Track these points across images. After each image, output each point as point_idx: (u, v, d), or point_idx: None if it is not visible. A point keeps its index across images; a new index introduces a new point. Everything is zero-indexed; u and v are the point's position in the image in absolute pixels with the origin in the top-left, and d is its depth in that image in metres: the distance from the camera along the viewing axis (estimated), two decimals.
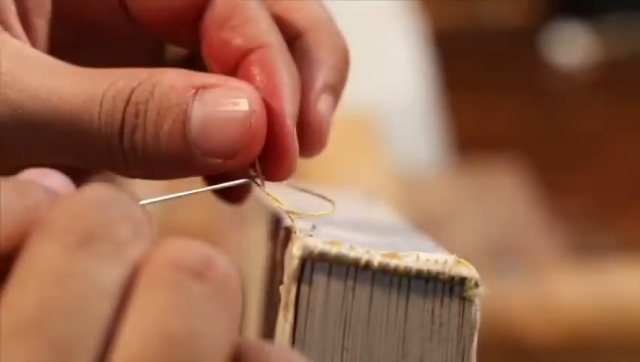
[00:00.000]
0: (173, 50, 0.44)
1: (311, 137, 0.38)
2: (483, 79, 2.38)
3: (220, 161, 0.35)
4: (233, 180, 0.39)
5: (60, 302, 0.25)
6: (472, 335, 0.33)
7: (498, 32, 2.66)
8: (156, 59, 0.43)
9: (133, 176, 0.36)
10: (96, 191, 0.28)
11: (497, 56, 2.52)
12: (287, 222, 0.37)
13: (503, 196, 1.20)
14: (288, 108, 0.36)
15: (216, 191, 0.42)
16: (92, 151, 0.35)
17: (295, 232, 0.35)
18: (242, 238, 0.59)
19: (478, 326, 0.33)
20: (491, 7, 2.75)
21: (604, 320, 0.96)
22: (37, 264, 0.26)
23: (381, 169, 1.07)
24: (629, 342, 0.96)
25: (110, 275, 0.26)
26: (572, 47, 2.50)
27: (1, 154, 0.36)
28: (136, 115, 0.35)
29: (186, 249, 0.27)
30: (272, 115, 0.36)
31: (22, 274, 0.26)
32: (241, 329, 0.28)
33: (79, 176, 0.42)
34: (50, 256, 0.26)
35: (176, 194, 0.37)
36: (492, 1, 2.76)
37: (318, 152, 0.39)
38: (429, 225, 0.98)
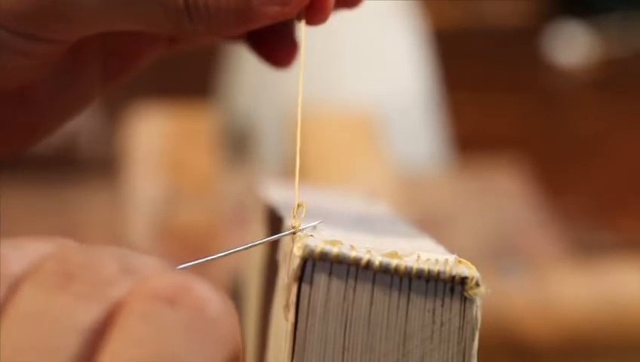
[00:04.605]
0: None
1: None
2: (483, 79, 2.37)
3: (277, 8, 0.38)
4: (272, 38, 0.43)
5: (33, 341, 0.26)
6: (473, 334, 0.33)
7: (498, 32, 2.66)
8: None
9: (197, 34, 0.39)
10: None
11: (498, 55, 2.52)
12: (288, 221, 0.37)
13: (503, 196, 1.20)
14: None
15: (258, 52, 0.44)
16: (160, 14, 0.38)
17: (295, 232, 0.35)
18: (242, 238, 0.58)
19: (479, 325, 0.33)
20: (492, 7, 2.75)
21: (605, 320, 0.96)
22: (20, 305, 0.27)
23: (381, 168, 1.07)
24: (630, 341, 0.96)
25: (87, 314, 0.27)
26: (573, 46, 2.50)
27: (76, 24, 0.39)
28: None
29: (163, 279, 0.28)
30: None
31: (7, 315, 0.27)
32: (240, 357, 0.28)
33: (144, 46, 0.44)
34: (31, 298, 0.27)
35: (216, 255, 0.36)
36: (492, 0, 2.76)
37: (355, 5, 0.42)
38: (429, 224, 0.98)
